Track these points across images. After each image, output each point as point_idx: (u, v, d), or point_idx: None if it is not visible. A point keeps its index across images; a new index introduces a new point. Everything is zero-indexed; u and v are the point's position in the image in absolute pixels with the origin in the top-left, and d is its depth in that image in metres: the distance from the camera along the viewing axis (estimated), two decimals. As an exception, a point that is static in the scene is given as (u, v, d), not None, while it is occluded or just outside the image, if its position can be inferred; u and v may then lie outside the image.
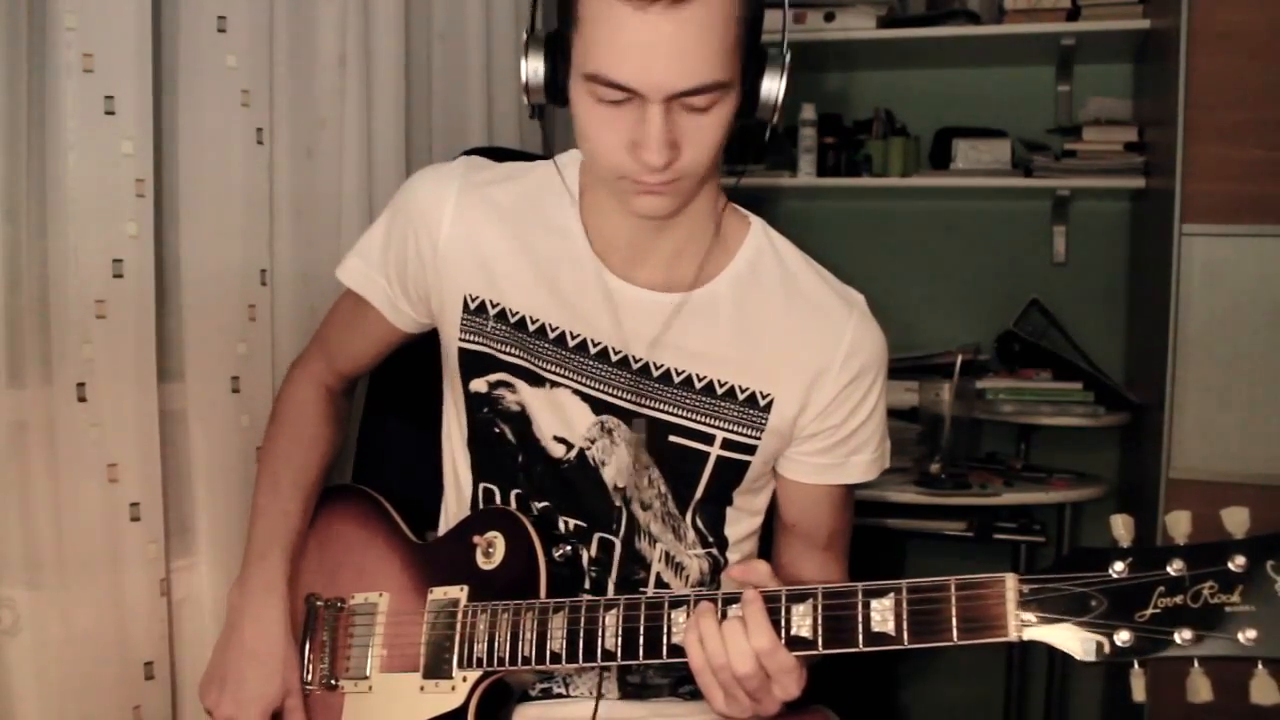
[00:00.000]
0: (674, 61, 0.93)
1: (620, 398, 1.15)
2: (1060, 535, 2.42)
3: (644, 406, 1.15)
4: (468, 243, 1.15)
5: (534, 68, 1.04)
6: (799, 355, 1.13)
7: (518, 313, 1.16)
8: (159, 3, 1.32)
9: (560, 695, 1.20)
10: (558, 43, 1.02)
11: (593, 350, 1.15)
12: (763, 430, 1.14)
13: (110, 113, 1.23)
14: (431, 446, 1.29)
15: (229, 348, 1.44)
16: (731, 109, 1.00)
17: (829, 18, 2.54)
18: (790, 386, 1.14)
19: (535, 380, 1.16)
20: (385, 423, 1.55)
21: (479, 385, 1.19)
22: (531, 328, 1.15)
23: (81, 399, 1.23)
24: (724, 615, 0.98)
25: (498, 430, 1.19)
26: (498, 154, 1.37)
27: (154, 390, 1.31)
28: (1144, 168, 2.42)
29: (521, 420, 1.18)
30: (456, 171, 1.18)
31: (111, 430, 1.26)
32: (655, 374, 1.14)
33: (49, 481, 1.21)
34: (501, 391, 1.18)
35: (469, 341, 1.18)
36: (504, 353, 1.17)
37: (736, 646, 0.95)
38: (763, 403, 1.14)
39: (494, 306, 1.16)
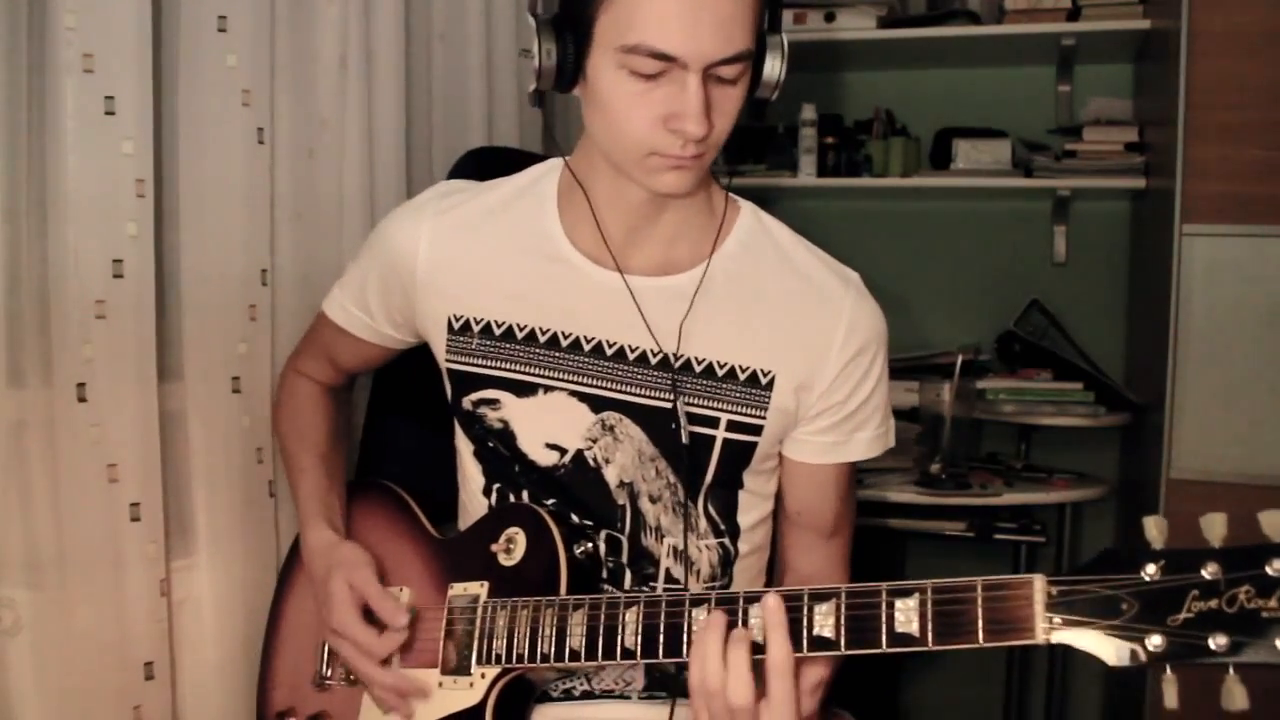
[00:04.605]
0: (718, 29, 0.95)
1: (620, 391, 1.14)
2: (1060, 535, 2.42)
3: (644, 396, 1.14)
4: (447, 268, 1.16)
5: (548, 49, 1.01)
6: (798, 332, 1.13)
7: (504, 323, 1.16)
8: (159, 3, 1.32)
9: (587, 693, 1.20)
10: (570, 25, 1.01)
11: (586, 347, 1.14)
12: (767, 409, 1.14)
13: (110, 113, 1.23)
14: (435, 442, 1.29)
15: (229, 348, 1.44)
16: (748, 82, 1.03)
17: (829, 18, 2.54)
18: (791, 363, 1.13)
19: (525, 390, 1.16)
20: (389, 420, 1.55)
21: (466, 404, 1.20)
22: (520, 335, 1.16)
23: (81, 399, 1.22)
24: (745, 620, 0.94)
25: (491, 445, 1.20)
26: (498, 154, 1.37)
27: (154, 390, 1.31)
28: (1144, 168, 2.41)
29: (506, 435, 1.18)
30: (428, 203, 1.20)
31: (111, 430, 1.26)
32: (653, 361, 1.13)
33: (49, 481, 1.21)
34: (484, 410, 1.19)
35: (454, 362, 1.19)
36: (490, 368, 1.17)
37: (736, 674, 0.91)
38: (764, 381, 1.13)
39: (478, 323, 1.17)
